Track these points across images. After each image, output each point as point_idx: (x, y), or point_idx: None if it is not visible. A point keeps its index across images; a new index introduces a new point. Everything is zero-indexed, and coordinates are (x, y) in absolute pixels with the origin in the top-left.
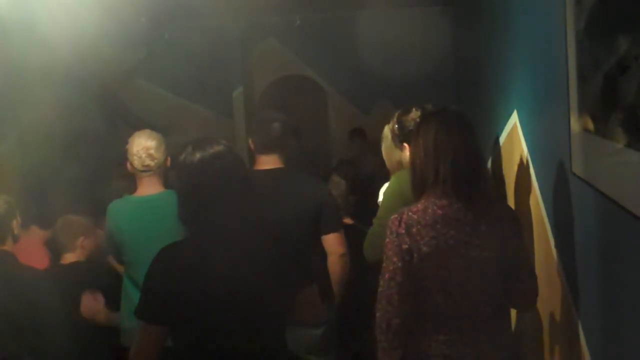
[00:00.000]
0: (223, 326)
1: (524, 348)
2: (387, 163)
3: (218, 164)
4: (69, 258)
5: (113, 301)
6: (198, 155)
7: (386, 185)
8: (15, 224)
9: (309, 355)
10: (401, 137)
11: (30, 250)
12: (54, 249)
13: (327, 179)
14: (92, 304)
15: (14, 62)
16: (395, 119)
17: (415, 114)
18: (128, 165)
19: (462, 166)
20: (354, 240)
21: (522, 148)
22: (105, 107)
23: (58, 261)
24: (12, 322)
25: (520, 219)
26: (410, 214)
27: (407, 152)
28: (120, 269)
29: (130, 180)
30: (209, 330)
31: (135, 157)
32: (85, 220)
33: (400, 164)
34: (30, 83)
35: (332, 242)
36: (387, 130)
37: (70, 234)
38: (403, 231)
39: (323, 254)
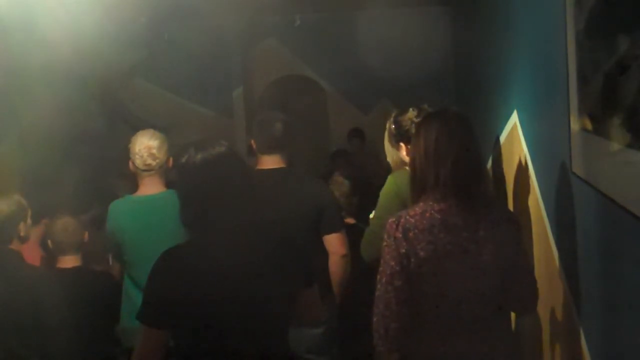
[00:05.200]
0: (226, 328)
1: (524, 349)
2: (390, 162)
3: (220, 166)
4: (68, 262)
5: (113, 310)
6: (200, 157)
7: None
8: (23, 225)
9: (310, 354)
10: (398, 137)
11: (28, 249)
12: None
13: (327, 178)
14: None
15: (14, 62)
16: (392, 119)
17: (411, 113)
18: (130, 164)
19: (462, 168)
20: (356, 240)
21: (522, 148)
22: (105, 107)
23: (53, 264)
24: (16, 320)
25: (519, 223)
26: (407, 217)
27: (403, 152)
28: (117, 274)
29: (131, 180)
30: (211, 332)
31: (137, 157)
32: (82, 221)
33: (404, 162)
34: (30, 83)
35: (334, 243)
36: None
37: (73, 236)
38: (400, 235)
39: (324, 254)
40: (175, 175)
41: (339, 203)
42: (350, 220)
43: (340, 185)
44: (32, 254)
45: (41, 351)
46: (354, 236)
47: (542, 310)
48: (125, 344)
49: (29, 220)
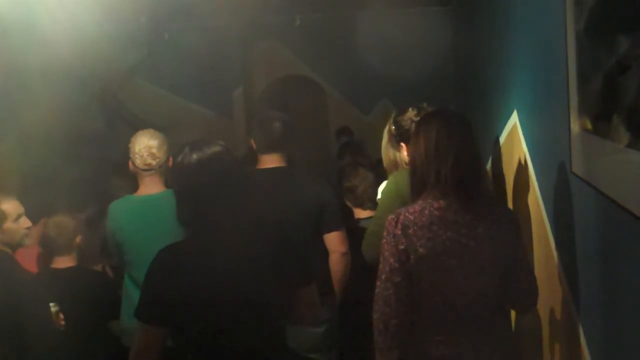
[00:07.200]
0: (223, 326)
1: (524, 348)
2: (385, 162)
3: (215, 165)
4: (62, 262)
5: (107, 309)
6: (195, 157)
7: (384, 184)
8: (16, 226)
9: (311, 353)
10: (398, 137)
11: (28, 249)
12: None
13: (341, 174)
14: None
15: (14, 62)
16: (392, 119)
17: (411, 113)
18: (130, 164)
19: (462, 167)
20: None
21: (522, 148)
22: (105, 107)
23: (48, 264)
24: (2, 323)
25: (519, 221)
26: (407, 214)
27: (404, 152)
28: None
29: (131, 180)
30: (209, 330)
31: (137, 156)
32: (76, 219)
33: (396, 163)
34: (30, 83)
35: (334, 241)
36: (385, 130)
37: (66, 235)
38: (399, 232)
39: (324, 253)
40: (171, 174)
41: (367, 195)
42: (372, 213)
43: (364, 177)
44: (32, 254)
45: (33, 353)
46: (359, 234)
47: (542, 309)
48: (126, 344)
49: (25, 221)
